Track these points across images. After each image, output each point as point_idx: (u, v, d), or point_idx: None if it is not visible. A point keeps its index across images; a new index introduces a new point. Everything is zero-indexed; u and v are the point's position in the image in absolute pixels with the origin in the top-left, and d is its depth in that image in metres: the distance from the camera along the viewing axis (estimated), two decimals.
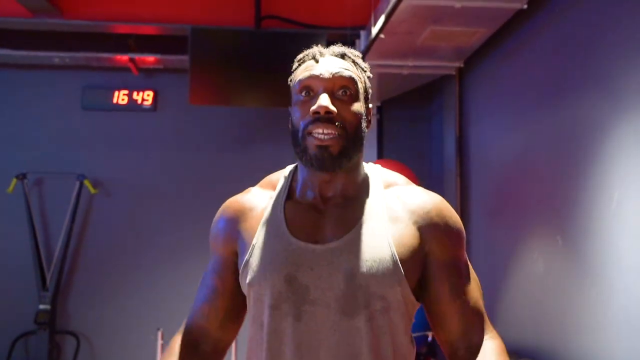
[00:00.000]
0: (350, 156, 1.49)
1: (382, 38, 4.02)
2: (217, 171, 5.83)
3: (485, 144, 4.69)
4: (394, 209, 1.53)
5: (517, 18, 3.93)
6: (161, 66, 5.78)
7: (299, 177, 1.58)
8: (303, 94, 1.51)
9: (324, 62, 1.53)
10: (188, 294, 6.32)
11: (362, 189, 1.56)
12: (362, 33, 4.63)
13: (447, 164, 5.35)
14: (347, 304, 1.45)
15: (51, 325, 5.52)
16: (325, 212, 1.54)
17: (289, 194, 1.59)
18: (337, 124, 1.46)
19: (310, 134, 1.47)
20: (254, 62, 4.82)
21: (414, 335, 4.88)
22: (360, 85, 1.54)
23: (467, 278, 1.55)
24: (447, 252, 1.53)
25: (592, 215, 3.18)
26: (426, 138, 5.82)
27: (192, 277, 5.66)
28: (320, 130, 1.46)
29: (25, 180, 5.65)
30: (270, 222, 1.55)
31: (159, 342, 4.71)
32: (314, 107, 1.46)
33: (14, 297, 5.59)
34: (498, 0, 3.67)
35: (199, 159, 5.91)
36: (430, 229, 1.52)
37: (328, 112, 1.46)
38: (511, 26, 4.07)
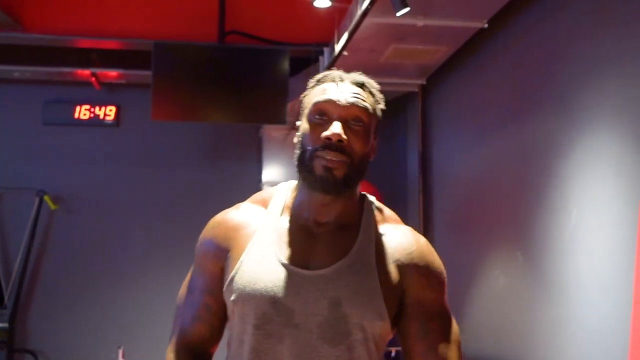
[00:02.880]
0: (352, 184, 1.51)
1: (345, 55, 4.05)
2: (182, 187, 5.79)
3: (448, 160, 4.73)
4: (382, 246, 1.55)
5: (478, 37, 4.00)
6: (124, 81, 5.75)
7: (297, 197, 1.59)
8: (317, 116, 1.51)
9: (343, 88, 1.53)
10: (150, 311, 6.29)
11: (356, 218, 1.57)
12: (326, 50, 4.65)
13: (410, 180, 5.39)
14: (330, 331, 1.46)
15: (9, 343, 5.41)
16: (317, 236, 1.54)
17: (282, 213, 1.59)
18: (345, 152, 1.48)
19: (318, 157, 1.48)
20: (218, 77, 4.81)
21: None
22: (372, 121, 1.56)
23: (441, 323, 1.55)
24: (422, 292, 1.54)
25: (552, 232, 3.23)
26: (390, 154, 5.85)
27: (155, 294, 5.65)
28: (330, 156, 1.47)
29: None
30: (261, 241, 1.55)
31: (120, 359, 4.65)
32: (327, 133, 1.47)
33: None
34: (459, 19, 3.73)
35: (163, 174, 5.86)
36: (409, 269, 1.54)
37: (340, 140, 1.47)
38: (472, 45, 4.14)
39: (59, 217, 5.73)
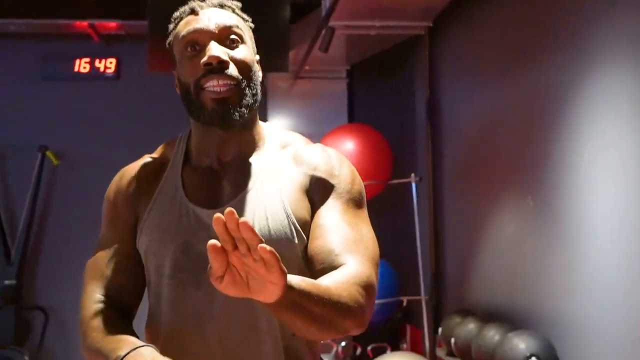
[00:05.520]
0: (249, 105, 1.42)
1: None
2: None
3: (457, 106, 4.60)
4: (287, 168, 1.47)
5: None
6: (123, 32, 5.60)
7: (193, 140, 1.51)
8: (189, 49, 1.42)
9: (205, 14, 1.45)
10: None
11: (258, 149, 1.50)
12: None
13: (418, 128, 5.26)
14: None
15: (18, 300, 5.39)
16: (223, 175, 1.46)
17: (185, 159, 1.51)
18: (231, 73, 1.39)
19: (203, 88, 1.39)
20: None
21: (388, 300, 4.77)
22: (247, 34, 1.48)
23: (344, 218, 1.40)
24: (329, 194, 1.43)
25: (563, 175, 3.12)
26: (396, 102, 5.71)
27: None
28: (215, 82, 1.38)
29: None
30: (166, 189, 1.47)
31: None
32: (204, 59, 1.38)
33: None
34: None
35: (165, 127, 5.71)
36: (315, 175, 1.45)
37: (221, 61, 1.38)
38: None
39: (61, 172, 5.66)
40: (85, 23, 5.37)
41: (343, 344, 4.96)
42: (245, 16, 1.51)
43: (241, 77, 1.40)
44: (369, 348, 4.90)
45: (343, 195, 1.43)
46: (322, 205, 1.42)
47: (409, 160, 5.35)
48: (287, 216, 1.40)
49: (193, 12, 1.45)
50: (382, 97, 5.79)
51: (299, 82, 5.66)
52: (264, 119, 5.31)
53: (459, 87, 4.54)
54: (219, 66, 1.37)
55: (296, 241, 1.39)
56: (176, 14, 1.49)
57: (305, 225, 1.41)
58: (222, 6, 1.47)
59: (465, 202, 4.36)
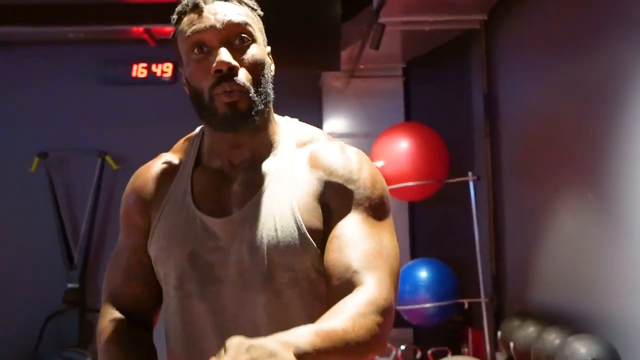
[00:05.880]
0: (260, 109, 1.34)
1: None
2: None
3: (515, 100, 4.44)
4: (302, 171, 1.36)
5: None
6: None
7: (206, 141, 1.44)
8: (196, 50, 1.34)
9: (210, 10, 1.34)
10: None
11: (272, 150, 1.41)
12: None
13: (476, 124, 5.11)
14: (253, 279, 1.30)
15: (81, 303, 5.48)
16: (233, 179, 1.39)
17: (197, 160, 1.44)
18: (240, 79, 1.31)
19: (217, 95, 1.32)
20: (268, 24, 4.62)
21: (448, 303, 4.63)
22: (256, 29, 1.38)
23: (363, 228, 1.30)
24: (345, 201, 1.33)
25: (624, 170, 2.95)
26: (454, 98, 5.57)
27: None
28: (227, 87, 1.30)
29: (47, 159, 5.59)
30: (176, 193, 1.41)
31: None
32: (215, 66, 1.30)
33: (42, 277, 5.56)
34: None
35: None
36: (330, 180, 1.34)
37: (231, 68, 1.31)
38: None
39: (121, 176, 5.72)
40: (141, 28, 5.43)
41: (402, 347, 4.86)
42: (252, 3, 1.42)
43: (251, 81, 1.33)
44: (429, 352, 4.78)
45: (362, 202, 1.33)
46: (339, 213, 1.33)
47: (466, 159, 5.20)
48: (298, 227, 1.31)
49: (196, 6, 1.35)
50: (439, 94, 5.66)
51: (354, 81, 5.58)
52: (319, 120, 5.22)
53: (516, 81, 4.38)
54: (229, 72, 1.31)
55: (307, 252, 1.31)
56: (179, 7, 1.40)
57: (317, 234, 1.32)
58: None
59: (525, 201, 4.20)
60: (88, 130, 5.71)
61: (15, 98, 5.71)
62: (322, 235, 1.32)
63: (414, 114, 5.64)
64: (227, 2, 1.37)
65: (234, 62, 1.31)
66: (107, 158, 5.63)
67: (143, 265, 1.44)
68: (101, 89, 5.77)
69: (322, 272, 1.31)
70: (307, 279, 1.31)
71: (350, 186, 1.34)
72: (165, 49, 5.74)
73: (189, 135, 1.52)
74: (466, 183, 4.55)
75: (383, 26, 4.18)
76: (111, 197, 5.75)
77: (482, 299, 4.43)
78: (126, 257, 1.46)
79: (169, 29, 5.15)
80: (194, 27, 1.34)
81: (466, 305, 4.76)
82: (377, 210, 1.34)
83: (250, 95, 1.32)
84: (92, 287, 5.66)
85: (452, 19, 4.46)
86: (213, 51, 1.32)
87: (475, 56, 4.99)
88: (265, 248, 1.30)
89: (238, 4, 1.38)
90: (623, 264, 2.97)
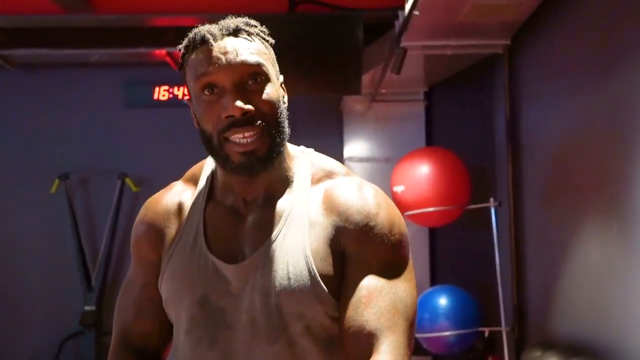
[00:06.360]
0: (279, 152, 1.30)
1: (416, 15, 3.74)
2: None
3: (538, 126, 4.37)
4: (316, 213, 1.30)
5: None
6: None
7: (219, 176, 1.38)
8: (207, 92, 1.27)
9: (220, 48, 1.27)
10: None
11: (287, 186, 1.35)
12: (400, 13, 4.36)
13: (498, 150, 5.05)
14: (265, 327, 1.25)
15: (97, 326, 5.45)
16: (246, 217, 1.33)
17: (209, 193, 1.38)
18: (257, 122, 1.25)
19: (228, 139, 1.26)
20: (290, 48, 4.60)
21: (468, 331, 4.55)
22: (269, 65, 1.31)
23: (379, 281, 1.25)
24: (362, 249, 1.28)
25: None
26: (475, 123, 5.52)
27: None
28: (241, 135, 1.24)
29: (68, 180, 5.61)
30: (188, 231, 1.36)
31: None
32: (227, 112, 1.24)
33: (59, 299, 5.56)
34: None
35: None
36: (347, 226, 1.28)
37: (245, 112, 1.24)
38: None
39: (141, 199, 5.71)
40: (163, 51, 5.45)
41: None
42: (263, 34, 1.34)
43: (267, 122, 1.27)
44: None
45: (379, 247, 1.28)
46: (355, 262, 1.27)
47: (488, 184, 5.13)
48: (312, 275, 1.26)
49: (205, 42, 1.28)
50: (461, 119, 5.60)
51: (376, 105, 5.54)
52: (340, 144, 5.15)
53: (539, 107, 4.32)
54: (243, 117, 1.24)
55: (320, 301, 1.26)
56: (185, 42, 1.33)
57: (331, 281, 1.27)
58: (237, 32, 1.30)
59: (547, 228, 4.12)
60: (109, 152, 5.72)
61: (37, 120, 5.74)
62: (335, 281, 1.27)
63: (436, 139, 5.59)
64: (237, 38, 1.29)
65: (248, 107, 1.25)
66: (127, 180, 5.62)
67: (153, 301, 1.40)
68: (123, 111, 5.78)
69: (336, 319, 1.27)
70: (320, 327, 1.27)
71: (366, 235, 1.28)
72: None
73: (200, 164, 1.47)
74: (488, 209, 4.49)
75: (405, 50, 4.15)
76: (130, 220, 5.72)
77: (503, 328, 4.34)
78: (137, 290, 1.43)
79: None
80: (203, 69, 1.27)
81: (487, 334, 4.67)
82: (394, 256, 1.30)
83: (269, 138, 1.26)
84: (109, 310, 5.62)
85: (475, 43, 4.41)
86: (225, 94, 1.26)
87: (498, 81, 4.94)
88: (278, 296, 1.25)
89: (249, 37, 1.31)
90: None
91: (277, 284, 1.25)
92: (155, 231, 1.40)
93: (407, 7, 3.79)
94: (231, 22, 1.32)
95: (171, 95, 5.80)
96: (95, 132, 5.76)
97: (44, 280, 5.59)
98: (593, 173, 3.49)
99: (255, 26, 1.34)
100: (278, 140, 1.28)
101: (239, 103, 1.24)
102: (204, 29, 1.30)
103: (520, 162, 4.58)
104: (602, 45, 3.40)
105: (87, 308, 5.44)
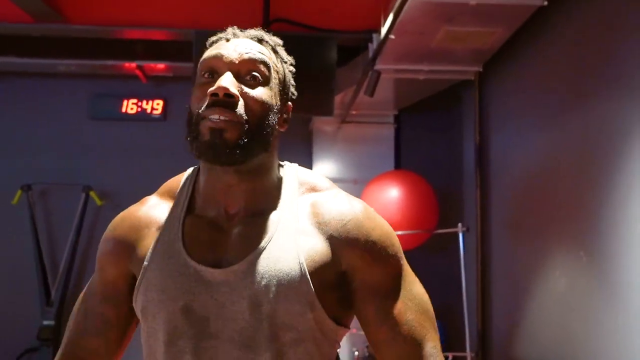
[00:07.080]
0: (250, 151, 1.26)
1: (392, 39, 3.76)
2: None
3: (507, 153, 4.41)
4: (306, 221, 1.30)
5: (538, 16, 3.66)
6: (171, 74, 5.59)
7: (200, 186, 1.35)
8: (206, 75, 1.30)
9: (235, 43, 1.32)
10: None
11: (272, 197, 1.33)
12: (374, 36, 4.38)
13: (467, 175, 5.08)
14: (252, 337, 1.21)
15: (55, 341, 5.32)
16: (229, 229, 1.30)
17: (189, 205, 1.35)
18: (237, 110, 1.24)
19: (205, 118, 1.24)
20: None
21: None
22: (275, 74, 1.32)
23: (396, 297, 1.29)
24: (368, 270, 1.28)
25: (618, 230, 2.90)
26: (445, 147, 5.55)
27: None
28: (217, 115, 1.23)
29: (30, 192, 5.49)
30: (165, 241, 1.31)
31: None
32: (212, 88, 1.24)
33: (16, 312, 5.42)
34: None
35: None
36: (347, 244, 1.28)
37: (228, 94, 1.23)
38: (532, 25, 3.80)
39: (105, 212, 5.62)
40: (133, 64, 5.38)
41: None
42: (285, 56, 1.38)
43: (247, 118, 1.25)
44: None
45: (386, 263, 1.30)
46: (366, 283, 1.28)
47: (456, 209, 5.16)
48: (306, 285, 1.23)
49: (226, 38, 1.34)
50: (430, 143, 5.64)
51: (345, 127, 5.55)
52: (309, 164, 5.15)
53: (508, 133, 4.36)
54: (225, 99, 1.23)
55: (313, 311, 1.23)
56: (213, 37, 1.38)
57: (324, 292, 1.25)
58: (260, 40, 1.35)
59: (514, 254, 4.14)
60: (74, 164, 5.62)
61: (1, 128, 5.63)
62: (328, 291, 1.26)
63: (404, 162, 5.61)
64: (257, 43, 1.34)
65: (234, 90, 1.24)
66: (92, 193, 5.53)
67: (105, 318, 1.37)
68: (90, 123, 5.69)
69: (327, 332, 1.26)
70: (311, 339, 1.24)
71: (370, 254, 1.29)
72: (156, 85, 5.71)
73: (177, 177, 1.44)
74: (455, 234, 4.50)
75: (379, 73, 4.15)
76: (93, 233, 5.64)
77: (468, 353, 4.35)
78: (93, 302, 1.39)
79: (161, 65, 5.08)
80: (210, 53, 1.31)
81: (450, 359, 4.67)
82: (399, 264, 1.33)
83: (242, 129, 1.24)
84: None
85: (447, 69, 4.44)
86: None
87: (468, 106, 4.98)
88: (269, 306, 1.21)
89: (272, 51, 1.35)
90: (613, 326, 2.90)
91: (268, 292, 1.21)
92: (125, 248, 1.36)
93: (384, 30, 3.80)
94: (259, 32, 1.38)
95: (140, 109, 5.72)
96: (61, 143, 5.66)
97: (1, 292, 5.45)
98: (561, 202, 3.52)
99: (280, 45, 1.39)
100: (253, 138, 1.25)
101: (225, 82, 1.24)
102: (233, 29, 1.37)
103: (488, 188, 4.61)
104: (573, 76, 3.45)
105: (45, 322, 5.31)
